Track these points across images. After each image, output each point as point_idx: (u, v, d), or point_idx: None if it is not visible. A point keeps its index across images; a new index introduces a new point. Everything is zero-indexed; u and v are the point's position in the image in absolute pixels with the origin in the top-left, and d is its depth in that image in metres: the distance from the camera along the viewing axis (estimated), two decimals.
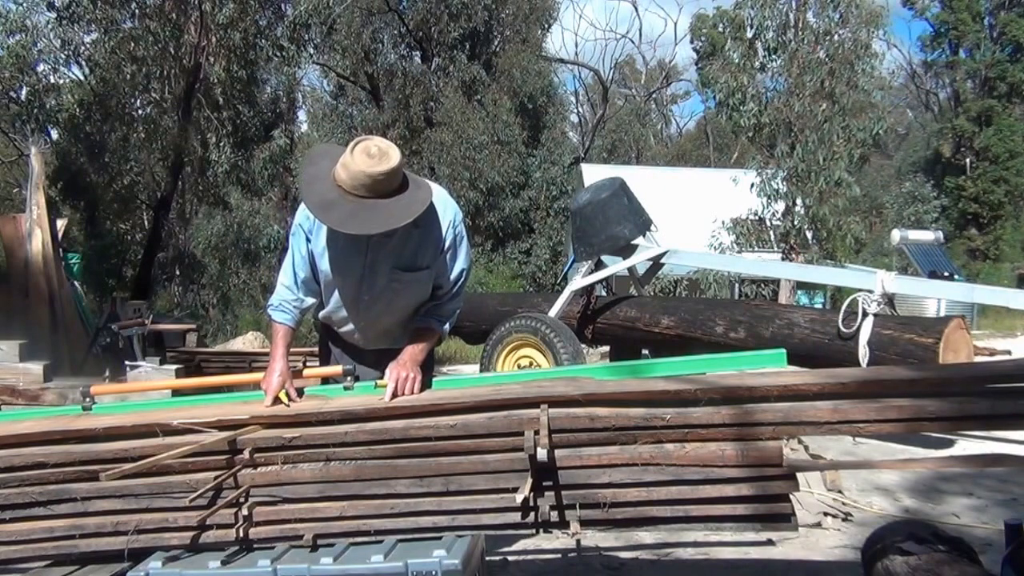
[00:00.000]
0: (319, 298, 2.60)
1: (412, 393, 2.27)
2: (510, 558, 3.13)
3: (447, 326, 2.58)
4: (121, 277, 16.12)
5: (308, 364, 3.45)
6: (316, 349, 3.34)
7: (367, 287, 2.49)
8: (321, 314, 2.65)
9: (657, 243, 5.87)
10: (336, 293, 2.54)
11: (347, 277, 2.49)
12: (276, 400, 2.31)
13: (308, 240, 2.49)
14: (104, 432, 2.09)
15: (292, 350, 2.57)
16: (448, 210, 2.48)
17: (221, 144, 14.44)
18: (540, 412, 1.97)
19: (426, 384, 2.39)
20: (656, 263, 6.13)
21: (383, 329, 2.60)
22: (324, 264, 2.49)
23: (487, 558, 2.23)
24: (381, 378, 2.41)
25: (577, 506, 1.98)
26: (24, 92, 13.24)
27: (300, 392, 2.38)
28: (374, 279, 2.46)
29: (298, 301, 2.55)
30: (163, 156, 14.98)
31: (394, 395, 2.23)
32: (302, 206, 2.46)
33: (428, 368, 2.57)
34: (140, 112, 14.96)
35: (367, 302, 2.52)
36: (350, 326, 2.61)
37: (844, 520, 3.53)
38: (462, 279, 2.57)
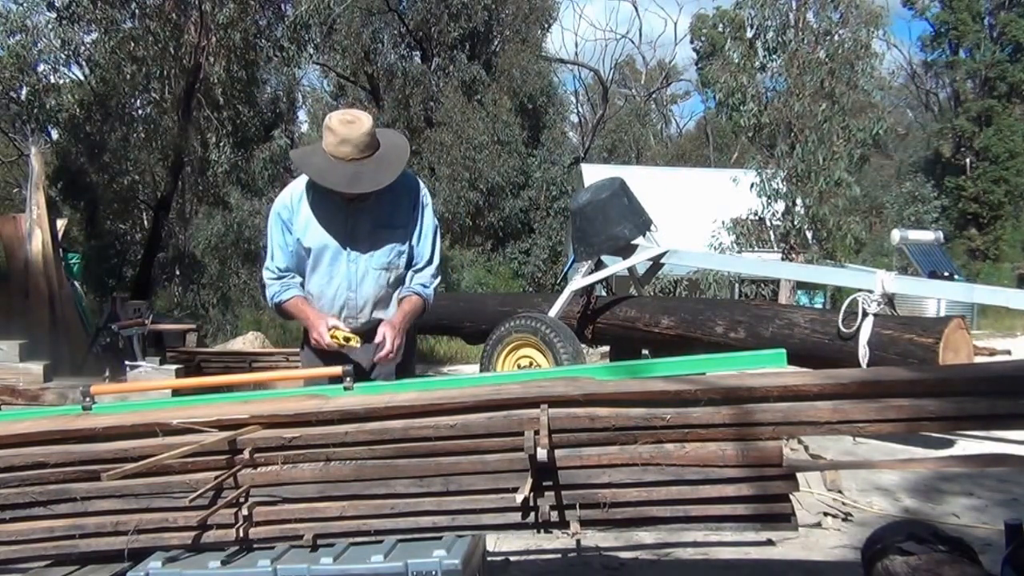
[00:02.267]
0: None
1: (393, 346, 2.53)
2: (510, 558, 3.13)
3: (429, 291, 2.73)
4: (121, 277, 16.12)
5: None
6: None
7: (352, 253, 2.62)
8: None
9: (657, 243, 5.87)
10: (324, 268, 2.64)
11: (332, 248, 2.61)
12: (337, 346, 2.51)
13: (288, 227, 2.64)
14: (104, 432, 2.09)
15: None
16: (409, 175, 2.71)
17: (221, 144, 14.44)
18: (540, 412, 1.97)
19: (410, 354, 2.68)
20: (656, 263, 6.12)
21: (372, 300, 2.68)
22: (308, 240, 2.62)
23: (487, 558, 2.23)
24: (372, 369, 2.64)
25: (577, 506, 1.98)
26: (24, 92, 13.22)
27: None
28: (357, 242, 2.62)
29: (292, 278, 2.70)
30: (163, 156, 14.97)
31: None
32: (278, 198, 2.69)
33: (411, 347, 2.78)
34: (140, 112, 14.95)
35: (355, 268, 2.62)
36: (340, 301, 2.67)
37: (844, 520, 3.53)
38: (435, 241, 2.74)
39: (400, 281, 2.71)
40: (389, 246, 2.64)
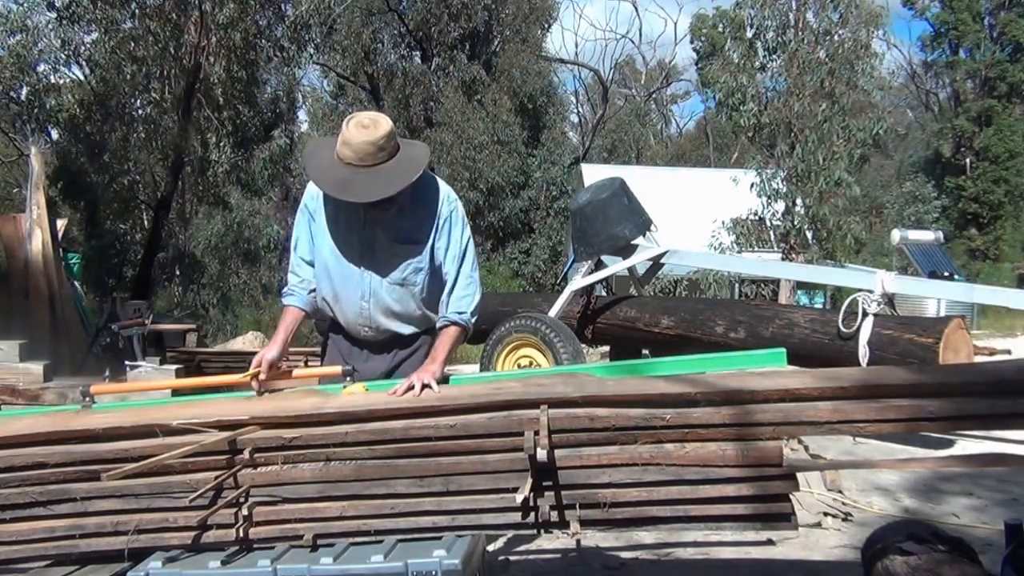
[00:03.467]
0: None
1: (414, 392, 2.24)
2: (510, 558, 3.13)
3: (470, 318, 2.54)
4: (121, 277, 16.14)
5: (309, 364, 3.44)
6: (317, 349, 3.33)
7: (367, 262, 2.52)
8: (323, 303, 2.63)
9: (657, 243, 5.86)
10: (339, 272, 2.55)
11: (348, 255, 2.52)
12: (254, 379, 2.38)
13: (313, 218, 2.56)
14: (104, 432, 2.09)
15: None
16: (442, 187, 2.56)
17: (221, 144, 14.46)
18: (540, 412, 1.96)
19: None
20: (656, 263, 6.12)
21: (386, 313, 2.57)
22: (325, 242, 2.54)
23: (487, 558, 2.23)
24: (389, 376, 2.53)
25: (577, 506, 1.98)
26: (24, 92, 13.25)
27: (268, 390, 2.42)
28: (373, 254, 2.51)
29: (307, 283, 2.60)
30: (163, 156, 15.00)
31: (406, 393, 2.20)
32: (308, 186, 2.58)
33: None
34: (140, 112, 14.98)
35: (369, 280, 2.53)
36: (356, 308, 2.57)
37: (844, 520, 3.53)
38: (468, 260, 2.56)
39: (421, 296, 2.56)
40: (405, 262, 2.50)
